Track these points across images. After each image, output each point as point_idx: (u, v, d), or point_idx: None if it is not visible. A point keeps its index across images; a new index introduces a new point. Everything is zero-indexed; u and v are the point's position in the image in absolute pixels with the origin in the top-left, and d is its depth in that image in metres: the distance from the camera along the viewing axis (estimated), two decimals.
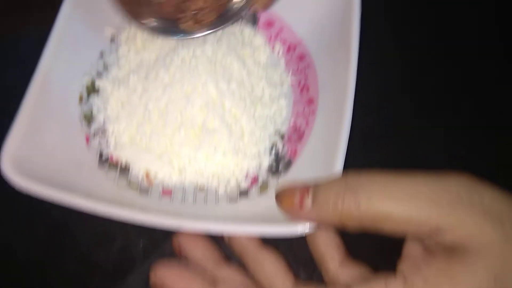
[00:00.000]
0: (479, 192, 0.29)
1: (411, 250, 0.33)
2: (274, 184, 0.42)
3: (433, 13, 0.58)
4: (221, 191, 0.42)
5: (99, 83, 0.47)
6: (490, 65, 0.54)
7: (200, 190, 0.42)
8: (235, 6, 0.43)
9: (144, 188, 0.42)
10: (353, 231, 0.31)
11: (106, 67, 0.48)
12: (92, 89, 0.46)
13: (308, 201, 0.31)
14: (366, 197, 0.30)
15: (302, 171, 0.42)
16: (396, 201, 0.29)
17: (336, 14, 0.45)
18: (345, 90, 0.40)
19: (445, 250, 0.29)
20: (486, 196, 0.29)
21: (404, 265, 0.32)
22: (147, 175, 0.43)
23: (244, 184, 0.43)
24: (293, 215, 0.33)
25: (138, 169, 0.43)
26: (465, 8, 0.58)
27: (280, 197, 0.33)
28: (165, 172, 0.43)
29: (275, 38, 0.50)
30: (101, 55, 0.48)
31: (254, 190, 0.42)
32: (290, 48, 0.49)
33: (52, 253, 0.45)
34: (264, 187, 0.42)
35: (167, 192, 0.42)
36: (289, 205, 0.32)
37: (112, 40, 0.50)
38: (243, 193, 0.42)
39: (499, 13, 0.58)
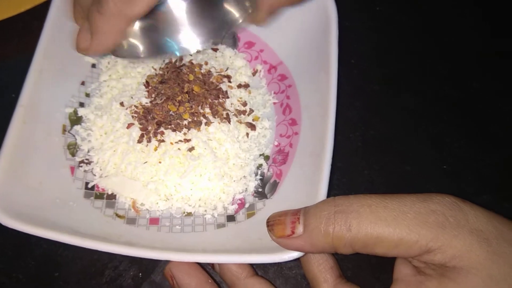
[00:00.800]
0: (463, 211, 0.30)
1: (401, 272, 0.33)
2: (261, 207, 0.42)
3: (412, 27, 0.59)
4: (208, 217, 0.42)
5: (81, 112, 0.46)
6: (471, 78, 0.55)
7: (187, 217, 0.42)
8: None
9: (131, 217, 0.42)
10: (346, 254, 0.32)
11: (88, 96, 0.48)
12: (75, 119, 0.46)
13: (299, 228, 0.32)
14: (356, 220, 0.30)
15: (288, 192, 0.42)
16: (385, 223, 0.30)
17: (315, 34, 0.46)
18: (326, 109, 0.41)
19: (435, 270, 0.30)
20: (470, 215, 0.30)
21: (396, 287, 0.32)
22: (134, 204, 0.43)
23: (231, 209, 0.43)
24: (285, 244, 0.33)
25: (124, 198, 0.43)
26: (446, 22, 0.59)
27: (271, 226, 0.34)
28: (152, 200, 0.43)
29: (256, 59, 0.51)
30: (83, 83, 0.48)
31: (241, 214, 0.42)
32: (271, 69, 0.50)
33: (42, 287, 0.44)
34: (251, 211, 0.42)
35: (154, 220, 0.42)
36: (280, 234, 0.33)
37: (93, 66, 0.50)
38: (231, 218, 0.42)
39: (482, 20, 0.59)
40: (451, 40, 0.57)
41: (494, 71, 0.55)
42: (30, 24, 0.56)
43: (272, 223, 0.34)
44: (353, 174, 0.48)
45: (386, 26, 0.58)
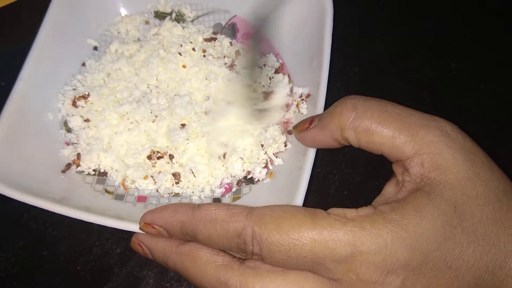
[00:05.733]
0: (464, 136, 0.32)
1: (387, 190, 0.34)
2: (247, 191, 0.43)
3: (392, 13, 0.60)
4: (195, 198, 0.43)
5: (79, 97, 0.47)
6: (448, 60, 0.57)
7: (175, 197, 0.43)
8: None
9: (120, 193, 0.43)
10: (352, 143, 0.34)
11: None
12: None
13: (316, 120, 0.36)
14: (363, 102, 0.33)
15: (275, 178, 0.43)
16: (389, 114, 0.32)
17: (310, 27, 0.46)
18: (317, 99, 0.41)
19: (415, 184, 0.31)
20: (469, 140, 0.32)
21: (377, 200, 0.33)
22: (123, 182, 0.44)
23: (218, 192, 0.43)
24: (303, 136, 0.37)
25: (115, 175, 0.44)
26: (424, 6, 0.61)
27: (296, 124, 0.38)
28: (142, 179, 0.43)
29: None
30: (83, 64, 0.50)
31: (227, 198, 0.43)
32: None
33: (31, 265, 0.45)
34: (237, 195, 0.43)
35: (142, 198, 0.43)
36: (300, 128, 0.37)
37: (95, 49, 0.51)
38: (216, 201, 0.43)
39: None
40: (430, 24, 0.59)
41: (469, 52, 0.57)
42: (19, 15, 0.57)
43: (297, 123, 0.38)
44: (335, 151, 0.48)
45: (367, 12, 0.60)
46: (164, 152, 0.44)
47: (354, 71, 0.55)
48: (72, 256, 0.45)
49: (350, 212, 0.30)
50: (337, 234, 0.29)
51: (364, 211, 0.30)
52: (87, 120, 0.46)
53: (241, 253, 0.31)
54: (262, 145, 0.43)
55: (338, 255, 0.28)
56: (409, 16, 0.60)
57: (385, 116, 0.32)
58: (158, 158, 0.44)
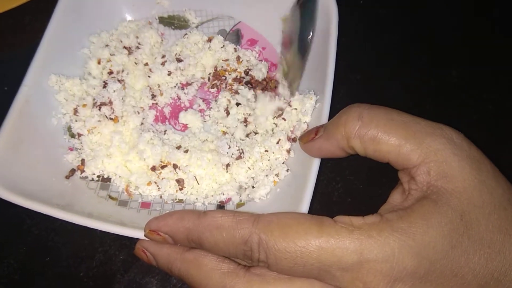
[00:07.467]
0: (469, 142, 0.32)
1: (393, 198, 0.34)
2: (251, 198, 0.43)
3: (393, 21, 0.61)
4: (199, 204, 0.43)
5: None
6: (449, 68, 0.57)
7: (178, 203, 0.43)
8: None
9: (124, 200, 0.43)
10: (359, 152, 0.34)
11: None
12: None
13: (321, 130, 0.36)
14: (368, 111, 0.33)
15: (281, 185, 0.42)
16: (395, 123, 0.32)
17: (316, 37, 0.46)
18: (322, 108, 0.42)
19: (421, 194, 0.31)
20: (474, 147, 0.32)
21: (383, 208, 0.33)
22: (127, 188, 0.43)
23: (222, 199, 0.43)
24: (309, 147, 0.37)
25: (119, 181, 0.44)
26: (424, 15, 0.61)
27: (301, 135, 0.39)
28: (145, 185, 0.43)
29: (258, 56, 0.52)
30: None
31: (231, 204, 0.43)
32: (271, 67, 0.51)
33: (33, 271, 0.45)
34: (241, 201, 0.43)
35: (145, 204, 0.43)
36: (306, 138, 0.37)
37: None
38: (220, 207, 0.43)
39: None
40: (431, 33, 0.60)
41: (470, 61, 0.58)
42: (22, 19, 0.57)
43: (302, 134, 0.39)
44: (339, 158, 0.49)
45: (369, 19, 0.61)
46: (168, 162, 0.44)
47: (357, 78, 0.56)
48: (74, 263, 0.45)
49: (357, 220, 0.30)
50: (344, 242, 0.28)
51: (370, 219, 0.30)
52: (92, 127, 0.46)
53: (247, 260, 0.31)
54: (267, 151, 0.43)
55: (345, 263, 0.28)
56: (411, 25, 0.60)
57: (391, 124, 0.32)
58: (162, 167, 0.44)
